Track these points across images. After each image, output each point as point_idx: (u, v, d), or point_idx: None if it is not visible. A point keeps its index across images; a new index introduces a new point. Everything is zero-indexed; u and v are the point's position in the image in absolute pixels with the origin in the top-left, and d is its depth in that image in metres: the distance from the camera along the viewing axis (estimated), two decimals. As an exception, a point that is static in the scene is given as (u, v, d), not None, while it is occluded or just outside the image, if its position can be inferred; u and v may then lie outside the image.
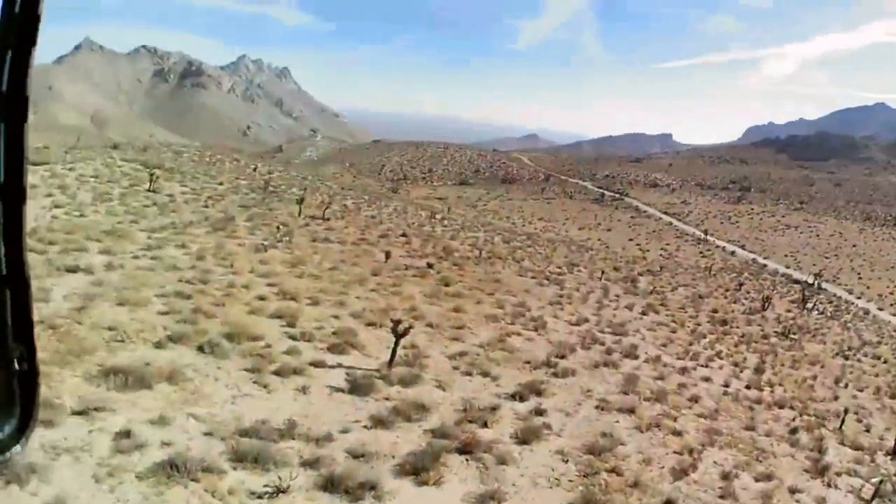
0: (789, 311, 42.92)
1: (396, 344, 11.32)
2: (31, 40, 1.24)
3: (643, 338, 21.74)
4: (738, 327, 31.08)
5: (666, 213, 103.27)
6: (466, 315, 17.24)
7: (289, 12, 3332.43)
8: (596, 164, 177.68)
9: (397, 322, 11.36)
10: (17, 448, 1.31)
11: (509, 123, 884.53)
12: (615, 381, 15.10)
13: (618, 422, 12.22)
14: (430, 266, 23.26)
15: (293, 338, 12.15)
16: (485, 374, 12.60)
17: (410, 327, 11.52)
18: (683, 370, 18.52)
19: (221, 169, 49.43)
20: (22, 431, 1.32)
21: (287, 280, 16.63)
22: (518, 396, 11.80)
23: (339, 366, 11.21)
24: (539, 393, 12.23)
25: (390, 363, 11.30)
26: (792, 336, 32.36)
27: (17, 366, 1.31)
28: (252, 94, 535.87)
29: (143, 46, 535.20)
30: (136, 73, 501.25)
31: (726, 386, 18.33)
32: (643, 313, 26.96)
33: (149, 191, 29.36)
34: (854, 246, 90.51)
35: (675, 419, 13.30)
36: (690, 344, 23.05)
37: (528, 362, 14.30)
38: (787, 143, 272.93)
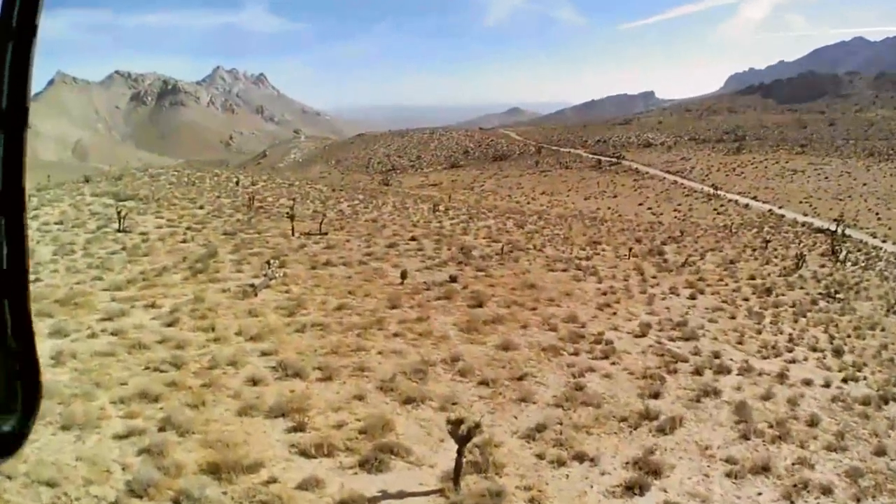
0: (823, 265, 41.23)
1: (461, 454, 7.77)
2: (28, 47, 1.25)
3: (714, 337, 18.96)
4: (783, 295, 29.02)
5: (668, 171, 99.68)
6: (519, 352, 13.77)
7: (259, 18, 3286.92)
8: (585, 131, 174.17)
9: (458, 422, 7.73)
10: (17, 448, 1.33)
11: (490, 100, 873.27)
12: (726, 417, 11.97)
13: (760, 494, 9.05)
14: (453, 280, 19.74)
15: (306, 454, 8.45)
16: (580, 458, 9.15)
17: (477, 426, 7.82)
18: (781, 376, 15.68)
19: (202, 188, 45.74)
20: (23, 428, 1.33)
21: (286, 341, 13.07)
22: (634, 488, 8.43)
23: (385, 496, 7.71)
24: (656, 472, 8.89)
25: (456, 480, 7.78)
26: (838, 297, 30.52)
27: (17, 366, 1.32)
28: (231, 104, 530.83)
29: (117, 72, 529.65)
30: (113, 99, 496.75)
31: (827, 386, 15.75)
32: (692, 297, 24.44)
33: (119, 231, 25.78)
34: (865, 185, 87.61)
35: (811, 465, 10.54)
36: (759, 332, 20.69)
37: (624, 419, 10.88)
38: (772, 87, 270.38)
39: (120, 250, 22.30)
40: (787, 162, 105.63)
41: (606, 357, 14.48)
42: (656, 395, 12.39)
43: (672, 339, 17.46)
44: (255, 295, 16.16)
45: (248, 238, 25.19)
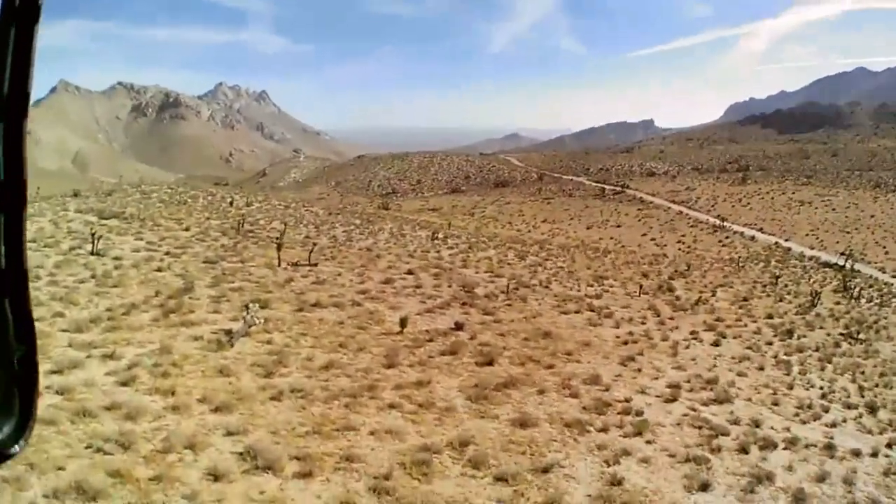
0: (838, 303, 39.45)
1: None
2: (31, 32, 1.23)
3: (749, 398, 16.99)
4: (805, 336, 27.49)
5: (673, 201, 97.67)
6: (539, 430, 11.50)
7: (265, 38, 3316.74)
8: (587, 158, 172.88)
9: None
10: (17, 448, 1.32)
11: (490, 126, 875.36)
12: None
13: None
14: (458, 328, 17.53)
15: None
16: None
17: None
18: (829, 448, 13.67)
19: (193, 207, 43.65)
20: (21, 431, 1.32)
21: (258, 413, 10.76)
22: None
23: None
24: None
25: None
26: (860, 338, 28.92)
27: (17, 366, 1.32)
28: (232, 120, 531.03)
29: (119, 83, 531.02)
30: (114, 110, 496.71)
31: (874, 455, 13.98)
32: (715, 344, 22.77)
33: (92, 254, 23.62)
34: (872, 216, 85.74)
35: None
36: (790, 387, 19.00)
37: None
38: (773, 116, 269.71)
39: (89, 278, 20.12)
40: (793, 193, 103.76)
41: (640, 433, 12.23)
42: (705, 487, 10.20)
43: (706, 404, 15.36)
44: (231, 345, 13.90)
45: (231, 268, 23.04)
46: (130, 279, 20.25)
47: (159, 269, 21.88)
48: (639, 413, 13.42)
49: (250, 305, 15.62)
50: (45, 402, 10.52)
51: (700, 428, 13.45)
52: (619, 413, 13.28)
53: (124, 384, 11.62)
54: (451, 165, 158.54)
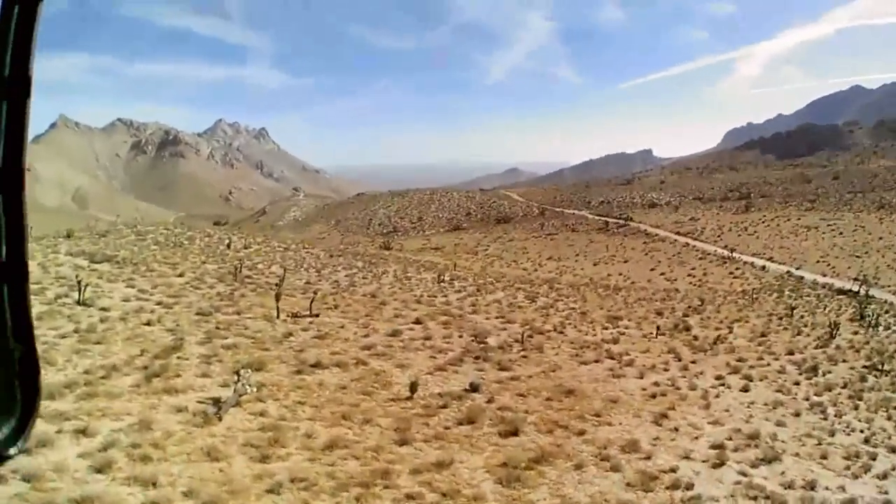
0: (856, 332, 37.86)
1: None
2: (33, 14, 1.22)
3: (796, 453, 15.66)
4: (830, 372, 26.46)
5: (678, 233, 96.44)
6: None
7: (263, 73, 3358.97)
8: (588, 191, 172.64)
9: None
10: (17, 447, 1.32)
11: (488, 161, 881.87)
12: None
13: None
14: (474, 389, 15.89)
15: None
16: None
17: None
18: None
19: (189, 250, 42.26)
20: (22, 431, 1.33)
21: None
22: None
23: None
24: None
25: None
26: (884, 369, 27.91)
27: (17, 366, 1.31)
28: (231, 158, 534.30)
29: (119, 119, 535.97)
30: (114, 147, 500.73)
31: None
32: (744, 390, 21.63)
33: (78, 303, 22.14)
34: (881, 238, 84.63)
35: None
36: (832, 433, 17.99)
37: None
38: (772, 141, 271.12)
39: (72, 332, 18.60)
40: (798, 219, 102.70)
41: (691, 512, 10.62)
42: None
43: (754, 465, 13.94)
44: (220, 419, 12.24)
45: (225, 321, 21.44)
46: (116, 334, 18.70)
47: (148, 323, 20.29)
48: (689, 486, 11.79)
49: (242, 371, 13.94)
50: (11, 491, 9.02)
51: (756, 499, 12.03)
52: (667, 488, 11.64)
53: (99, 470, 10.01)
54: (451, 202, 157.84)
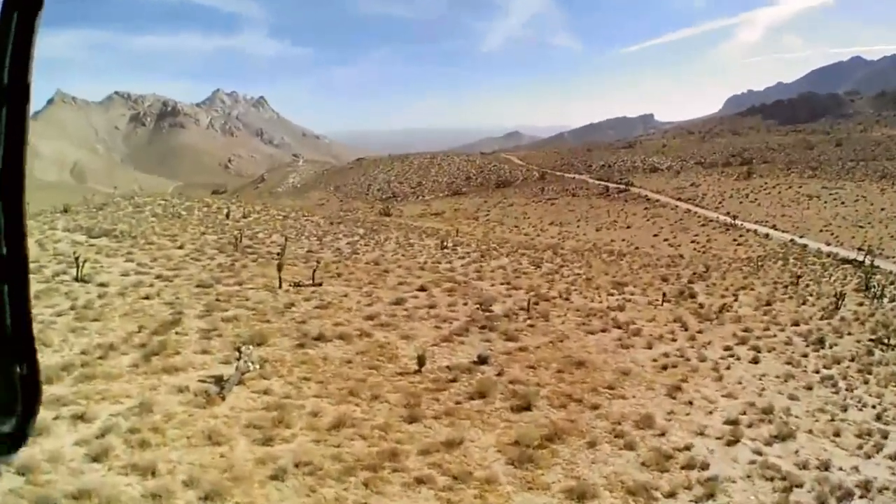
0: (861, 303, 37.58)
1: None
2: (32, 21, 1.22)
3: (809, 430, 15.46)
4: (836, 345, 26.24)
5: (680, 199, 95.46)
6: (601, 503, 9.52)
7: (259, 42, 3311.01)
8: (589, 155, 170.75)
9: None
10: (17, 447, 1.30)
11: (488, 125, 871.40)
12: None
13: None
14: (482, 361, 15.50)
15: None
16: None
17: None
18: None
19: (188, 221, 41.67)
20: (22, 430, 1.30)
21: (258, 499, 8.74)
22: None
23: None
24: None
25: None
26: (891, 343, 27.60)
27: (16, 367, 1.29)
28: (230, 126, 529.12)
29: (116, 93, 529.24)
30: (112, 120, 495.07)
31: None
32: (754, 361, 21.46)
33: (76, 280, 21.67)
34: (883, 209, 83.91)
35: None
36: (844, 409, 17.89)
37: None
38: (774, 107, 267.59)
39: (69, 310, 18.17)
40: (800, 186, 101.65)
41: (712, 496, 10.30)
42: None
43: (769, 443, 13.65)
44: (222, 398, 11.84)
45: (226, 292, 21.03)
46: (114, 310, 18.29)
47: (147, 297, 19.87)
48: (704, 466, 11.51)
49: (243, 348, 13.50)
50: (5, 486, 8.64)
51: (772, 480, 11.73)
52: (683, 468, 11.38)
53: (95, 458, 9.63)
54: (451, 166, 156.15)
